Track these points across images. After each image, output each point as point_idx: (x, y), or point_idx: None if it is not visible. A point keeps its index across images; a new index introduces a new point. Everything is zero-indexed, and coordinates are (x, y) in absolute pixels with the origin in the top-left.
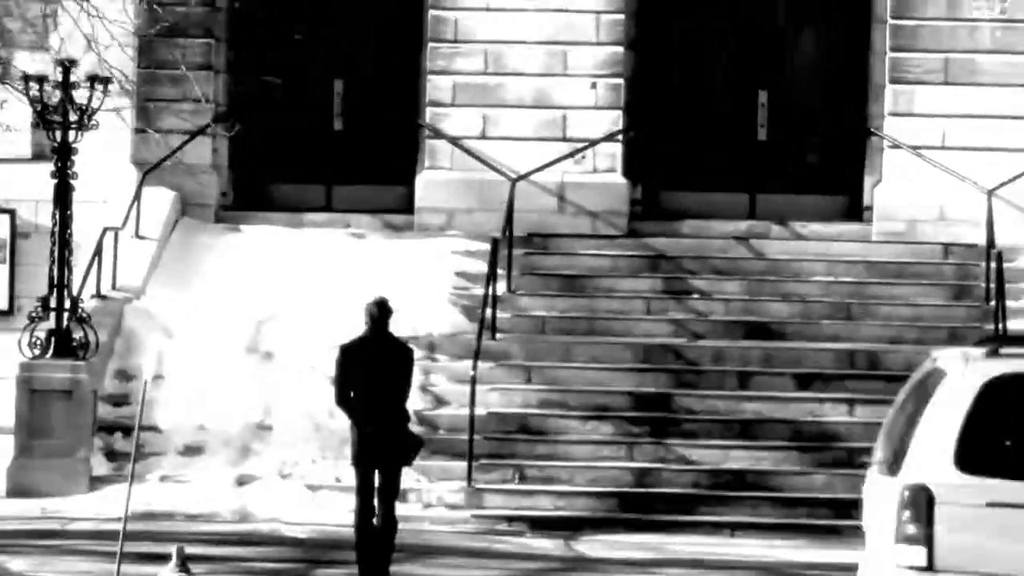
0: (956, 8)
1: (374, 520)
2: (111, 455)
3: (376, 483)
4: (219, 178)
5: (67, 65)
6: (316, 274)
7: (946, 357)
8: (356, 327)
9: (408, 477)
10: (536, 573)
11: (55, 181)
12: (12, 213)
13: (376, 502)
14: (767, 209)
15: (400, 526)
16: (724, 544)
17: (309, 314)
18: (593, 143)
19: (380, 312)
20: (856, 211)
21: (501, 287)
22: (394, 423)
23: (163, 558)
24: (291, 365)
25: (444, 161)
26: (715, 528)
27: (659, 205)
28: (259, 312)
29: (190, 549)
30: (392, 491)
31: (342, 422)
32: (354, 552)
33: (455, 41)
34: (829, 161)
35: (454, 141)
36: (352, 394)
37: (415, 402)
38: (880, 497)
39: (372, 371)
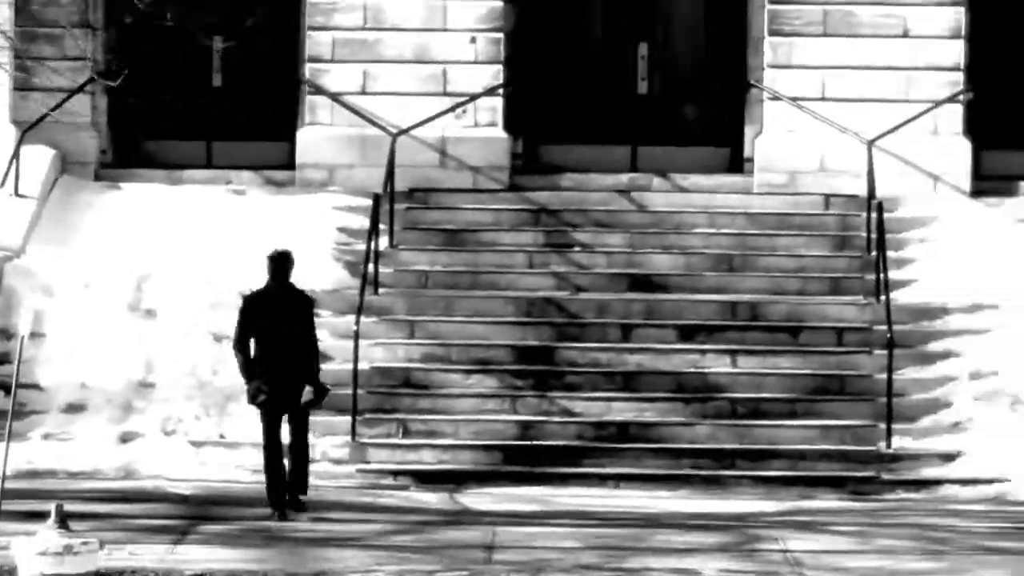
0: None
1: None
2: None
3: (285, 425)
4: (99, 136)
5: None
6: (197, 231)
7: None
8: (238, 283)
9: None
10: (421, 526)
11: None
12: None
13: (288, 441)
14: (649, 162)
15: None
16: (609, 496)
17: (191, 271)
18: (473, 97)
19: (281, 262)
20: (738, 163)
21: (383, 242)
22: (297, 368)
23: (44, 516)
24: (173, 322)
25: (325, 117)
26: (600, 480)
27: (541, 159)
28: (140, 269)
29: (73, 506)
30: (302, 428)
31: (226, 379)
32: (237, 507)
33: None
34: (710, 114)
35: (334, 97)
36: (253, 342)
37: None
38: None
39: (275, 319)
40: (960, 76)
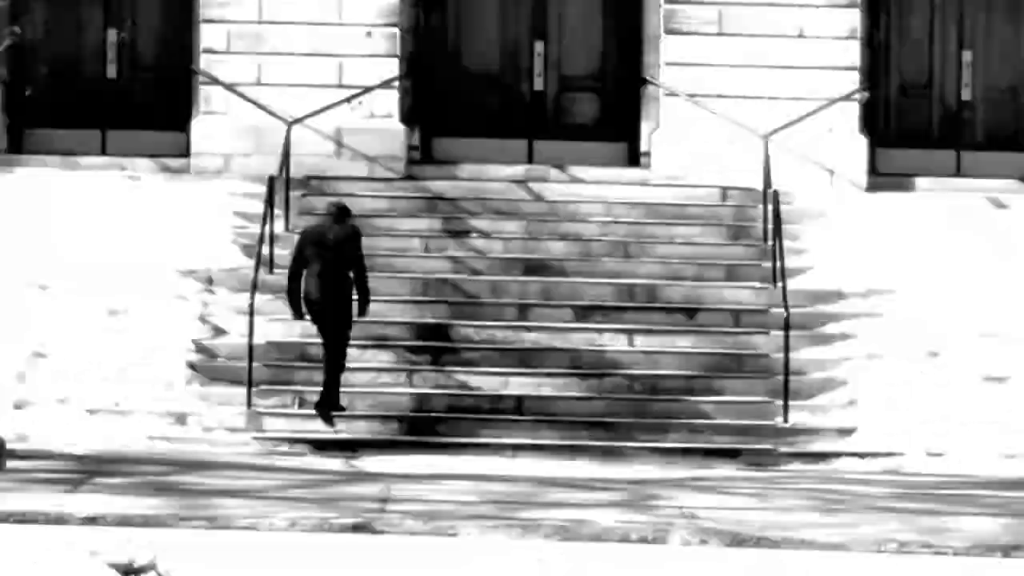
0: None
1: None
2: None
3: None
4: None
5: None
6: (92, 213)
7: None
8: (134, 263)
9: (187, 402)
10: (317, 483)
11: None
12: None
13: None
14: (545, 156)
15: (179, 447)
16: (506, 464)
17: (86, 250)
18: (368, 89)
19: (338, 210)
20: (635, 158)
21: (279, 226)
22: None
23: None
24: (69, 299)
25: (220, 107)
26: (497, 449)
27: (437, 151)
28: (36, 248)
29: None
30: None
31: (120, 352)
32: (131, 465)
33: None
34: (607, 110)
35: (229, 87)
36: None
37: (194, 331)
38: None
39: (325, 252)
40: (856, 76)
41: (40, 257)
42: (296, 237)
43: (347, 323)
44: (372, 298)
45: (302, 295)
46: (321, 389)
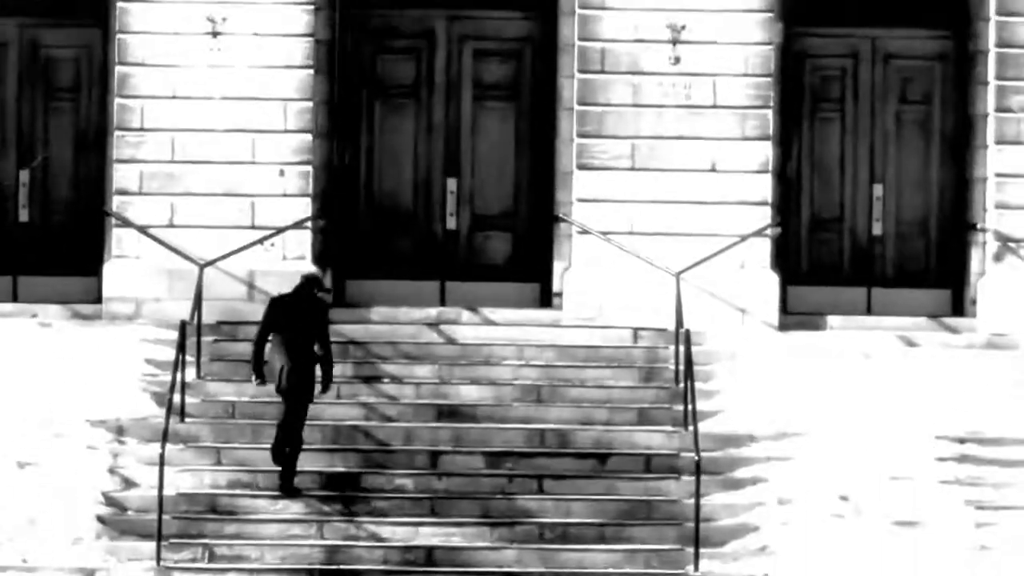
0: (640, 94)
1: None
2: None
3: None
4: None
5: None
6: (1, 362)
7: None
8: (43, 412)
9: (96, 557)
10: None
11: None
12: None
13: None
14: (458, 297)
15: None
16: None
17: None
18: (280, 230)
19: (307, 281)
20: (547, 298)
21: (191, 373)
22: (306, 362)
23: None
24: None
25: (132, 249)
26: None
27: (350, 292)
28: None
29: None
30: (301, 416)
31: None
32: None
33: (141, 129)
34: (519, 249)
35: (142, 229)
36: (271, 337)
37: (104, 482)
38: None
39: (293, 321)
40: (768, 211)
41: None
42: (208, 384)
43: (309, 395)
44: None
45: (264, 361)
46: (280, 470)
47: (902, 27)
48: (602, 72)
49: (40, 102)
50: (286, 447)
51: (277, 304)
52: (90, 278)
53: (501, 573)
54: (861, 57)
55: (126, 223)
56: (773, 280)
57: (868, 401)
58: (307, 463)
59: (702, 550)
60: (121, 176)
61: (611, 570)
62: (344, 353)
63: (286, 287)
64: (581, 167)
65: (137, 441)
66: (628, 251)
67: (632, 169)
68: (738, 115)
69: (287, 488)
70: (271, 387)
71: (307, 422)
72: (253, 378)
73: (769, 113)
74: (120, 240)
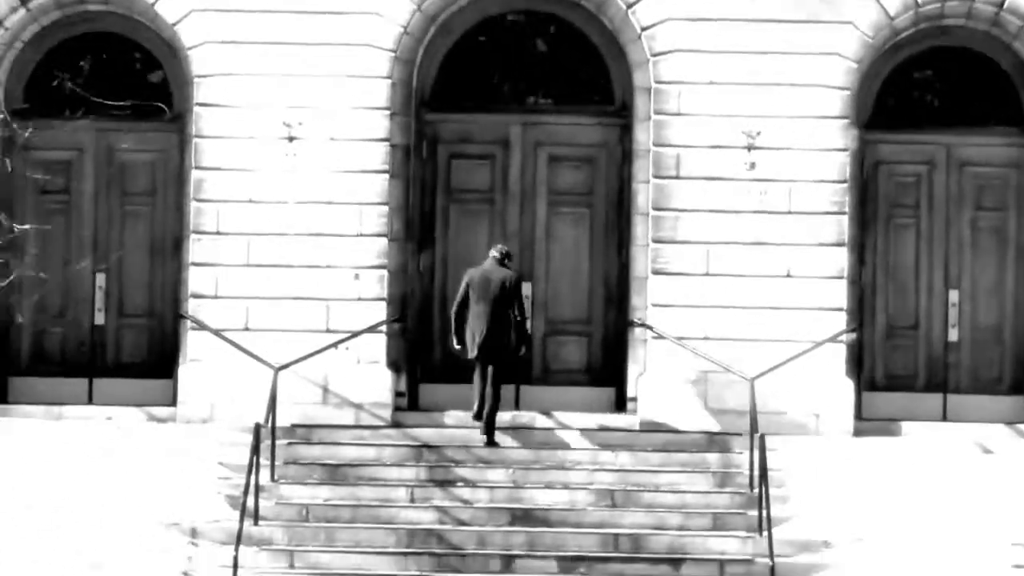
0: (715, 199)
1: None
2: None
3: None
4: None
5: None
6: (76, 465)
7: None
8: (117, 514)
9: None
10: None
11: None
12: None
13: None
14: (532, 402)
15: None
16: None
17: (67, 502)
18: (355, 334)
19: (501, 255)
20: (622, 402)
21: (264, 476)
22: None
23: None
24: (48, 550)
25: (207, 352)
26: None
27: (424, 397)
28: (11, 500)
29: None
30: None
31: None
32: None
33: (217, 233)
34: (594, 353)
35: (217, 333)
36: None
37: None
38: None
39: (487, 291)
40: (843, 317)
41: (17, 508)
42: (281, 487)
43: (508, 356)
44: (358, 550)
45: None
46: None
47: (976, 134)
48: (677, 177)
49: (116, 206)
50: (486, 406)
51: (472, 277)
52: (165, 381)
53: None
54: (936, 164)
55: (201, 326)
56: (848, 386)
57: (943, 507)
58: (382, 566)
59: None
60: (196, 279)
61: None
62: (418, 457)
63: (361, 392)
64: (656, 272)
65: (211, 544)
66: (702, 356)
67: (707, 275)
68: (813, 221)
69: (491, 440)
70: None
71: (382, 525)
72: (454, 342)
73: (844, 219)
74: (195, 343)
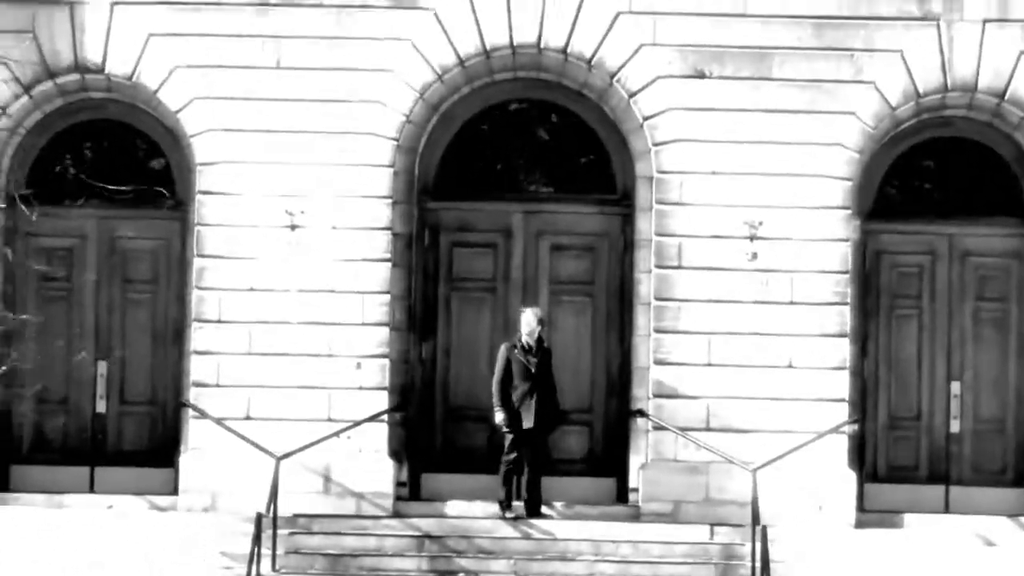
0: (717, 289)
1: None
2: None
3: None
4: None
5: None
6: (77, 554)
7: None
8: None
9: None
10: None
11: None
12: None
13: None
14: None
15: None
16: None
17: None
18: (356, 424)
19: (536, 322)
20: (623, 493)
21: (266, 566)
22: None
23: None
24: None
25: (208, 441)
26: None
27: (425, 486)
28: None
29: None
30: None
31: None
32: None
33: (219, 321)
34: (595, 444)
35: (218, 421)
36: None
37: None
38: None
39: (528, 365)
40: (845, 407)
41: None
42: None
43: (548, 431)
44: None
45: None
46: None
47: (978, 225)
48: (679, 267)
49: (118, 293)
50: (520, 475)
51: (511, 351)
52: (167, 469)
53: None
54: (938, 254)
55: (203, 415)
56: (850, 477)
57: None
58: None
59: None
60: (198, 367)
61: None
62: (419, 547)
63: (363, 481)
64: (657, 362)
65: None
66: (704, 447)
67: (708, 365)
68: (815, 311)
69: (535, 512)
70: None
71: None
72: (500, 414)
73: (846, 309)
74: (196, 431)
